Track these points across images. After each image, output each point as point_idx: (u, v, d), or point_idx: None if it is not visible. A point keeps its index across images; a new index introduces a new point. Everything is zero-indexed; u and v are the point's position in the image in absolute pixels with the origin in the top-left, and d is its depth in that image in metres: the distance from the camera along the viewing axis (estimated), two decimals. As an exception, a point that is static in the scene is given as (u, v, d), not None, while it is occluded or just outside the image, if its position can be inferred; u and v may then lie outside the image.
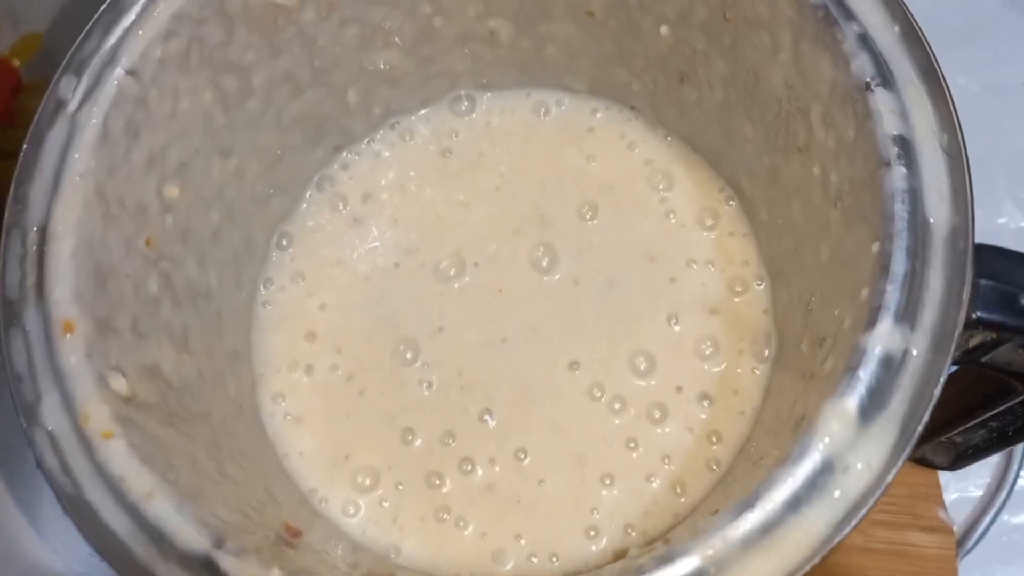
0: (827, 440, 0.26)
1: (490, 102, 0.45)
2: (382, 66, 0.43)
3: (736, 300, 0.41)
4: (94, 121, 0.33)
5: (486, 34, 0.43)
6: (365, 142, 0.45)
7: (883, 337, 0.27)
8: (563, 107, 0.45)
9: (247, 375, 0.41)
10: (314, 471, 0.40)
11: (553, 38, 0.43)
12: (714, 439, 0.39)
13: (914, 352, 0.27)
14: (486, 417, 0.40)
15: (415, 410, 0.40)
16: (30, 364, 0.30)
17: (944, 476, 0.50)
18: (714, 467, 0.38)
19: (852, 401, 0.27)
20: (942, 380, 0.27)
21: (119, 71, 0.33)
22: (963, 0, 0.63)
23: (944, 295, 0.28)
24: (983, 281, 0.28)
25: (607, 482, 0.38)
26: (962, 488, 0.53)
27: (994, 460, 0.53)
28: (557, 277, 0.42)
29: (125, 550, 0.28)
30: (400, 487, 0.39)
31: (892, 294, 0.28)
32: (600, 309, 0.41)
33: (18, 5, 0.56)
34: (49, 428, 0.29)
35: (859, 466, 0.26)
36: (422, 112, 0.45)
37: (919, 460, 0.44)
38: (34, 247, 0.31)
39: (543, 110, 0.45)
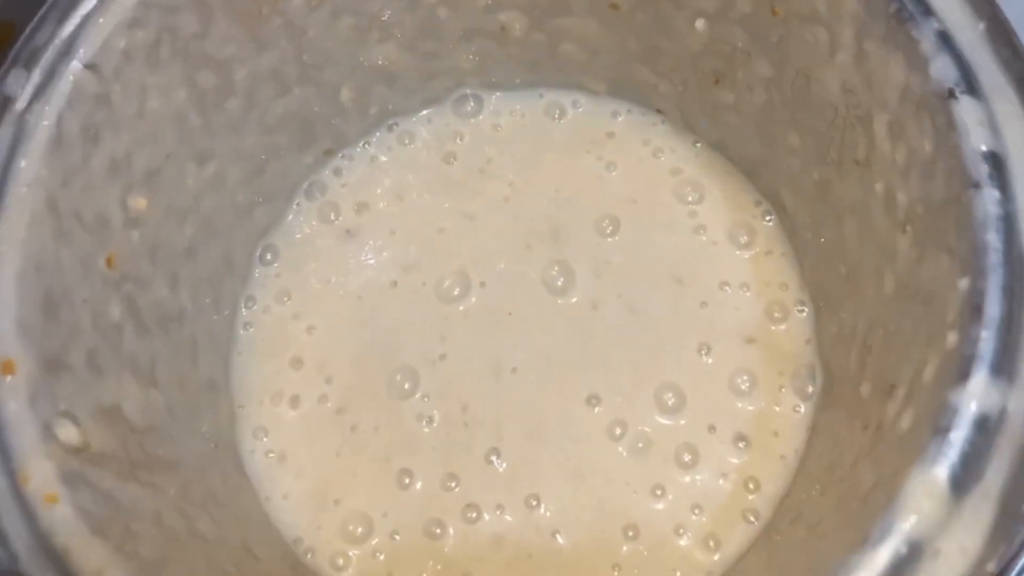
0: (914, 519, 0.22)
1: (498, 103, 0.41)
2: (379, 62, 0.38)
3: (775, 328, 0.36)
4: (46, 123, 0.28)
5: (496, 28, 0.38)
6: (360, 145, 0.41)
7: (977, 393, 0.23)
8: (580, 109, 0.41)
9: (225, 408, 0.36)
10: (299, 517, 0.35)
11: (570, 33, 0.38)
12: (751, 486, 0.34)
13: (1011, 410, 0.23)
14: (493, 458, 0.35)
15: (413, 449, 0.36)
16: (-39, 414, 0.25)
17: None
18: (752, 519, 0.34)
19: (942, 470, 0.23)
20: (1048, 443, 0.23)
21: (76, 64, 0.29)
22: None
23: (1049, 343, 0.23)
24: (1095, 326, 0.23)
25: (630, 534, 0.34)
26: None
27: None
28: (573, 300, 0.38)
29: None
30: (396, 537, 0.35)
31: (987, 341, 0.23)
32: (622, 336, 0.37)
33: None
34: (-19, 489, 0.25)
35: (952, 551, 0.22)
36: (423, 113, 0.41)
37: None
38: (-30, 272, 0.27)
39: (557, 112, 0.41)
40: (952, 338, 0.24)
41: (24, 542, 0.24)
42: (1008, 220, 0.24)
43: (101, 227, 0.30)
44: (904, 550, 0.22)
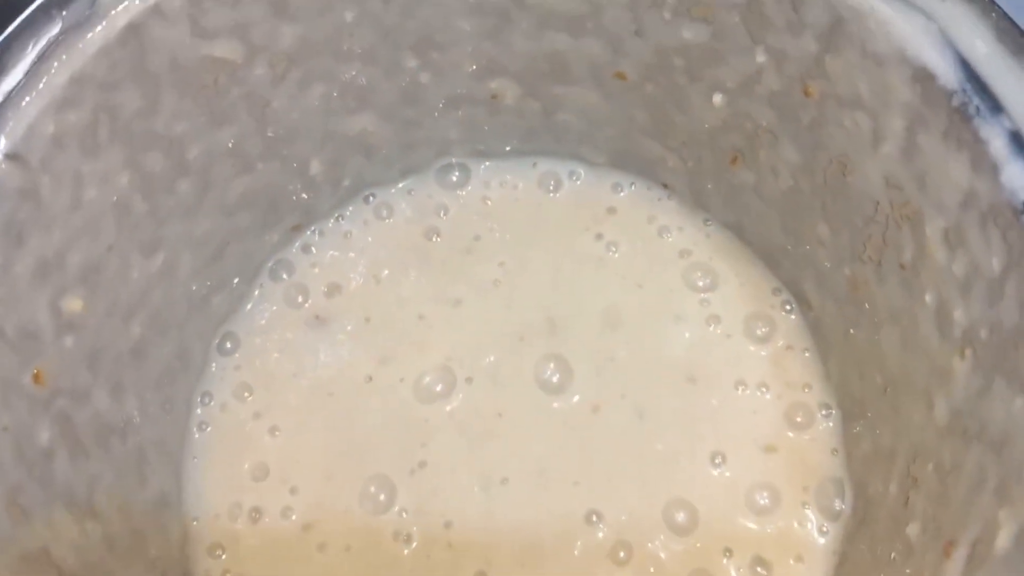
0: None
1: (487, 172, 0.37)
2: (354, 132, 0.34)
3: (796, 435, 0.32)
4: (-46, 228, 0.24)
5: (486, 97, 0.34)
6: (332, 219, 0.36)
7: (1071, 579, 0.19)
8: (578, 181, 0.37)
9: (176, 526, 0.32)
10: (261, 655, 0.31)
11: (569, 103, 0.34)
12: (773, 619, 0.30)
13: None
14: (482, 584, 0.31)
15: (390, 573, 0.32)
16: None
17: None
18: (774, 659, 0.30)
19: (1030, 673, 0.19)
20: None
21: (-6, 155, 0.24)
22: None
23: None
24: None
25: (638, 676, 0.30)
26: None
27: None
28: (572, 400, 0.34)
29: None
30: None
31: (1084, 518, 0.19)
32: (626, 443, 0.33)
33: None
34: None
35: None
36: (403, 184, 0.37)
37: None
38: None
39: (553, 183, 0.37)
40: (1037, 505, 0.20)
41: None
42: (1102, 365, 0.21)
43: (27, 340, 0.26)
44: None
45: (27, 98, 0.25)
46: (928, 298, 0.26)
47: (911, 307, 0.27)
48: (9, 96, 0.25)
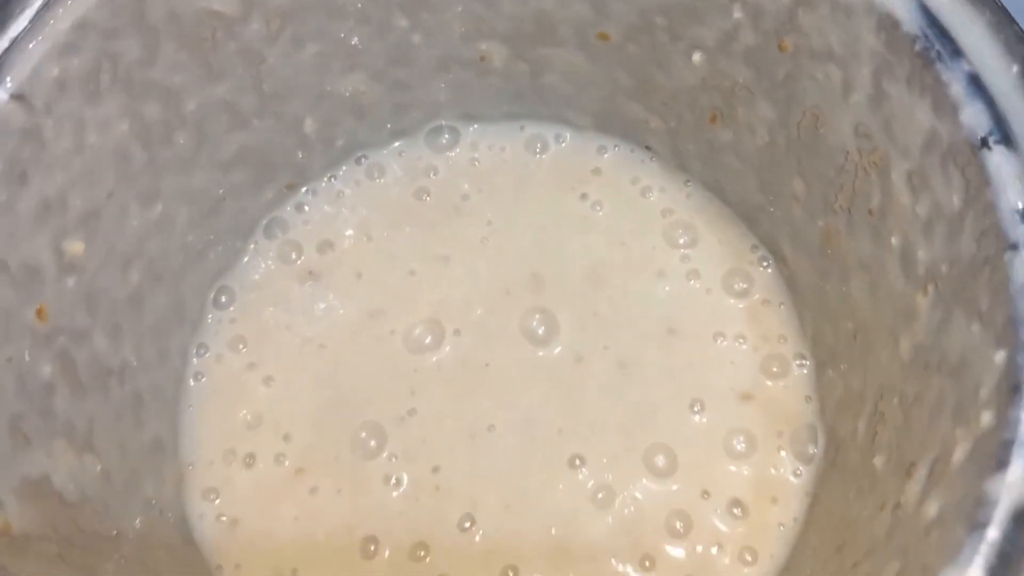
0: (953, 631, 0.19)
1: (476, 135, 0.38)
2: (346, 93, 0.35)
3: (773, 384, 0.34)
4: (-37, 163, 0.25)
5: (475, 58, 0.35)
6: (325, 179, 0.37)
7: (1018, 484, 0.20)
8: (563, 143, 0.38)
9: (172, 470, 0.33)
10: (253, 591, 0.32)
11: (555, 64, 0.35)
12: (748, 558, 0.31)
13: (1058, 504, 0.20)
14: (467, 526, 0.32)
15: (380, 515, 0.33)
16: None
17: None
18: (749, 595, 0.31)
19: (978, 571, 0.20)
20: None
21: (1, 95, 0.25)
22: None
23: (1099, 429, 0.21)
24: None
25: (617, 612, 0.31)
26: None
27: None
28: (556, 351, 0.35)
29: None
30: (360, 614, 0.31)
31: (1031, 426, 0.21)
32: (609, 392, 0.34)
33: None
34: None
35: (994, 670, 0.19)
36: (394, 145, 0.38)
37: None
38: None
39: (539, 146, 0.38)
40: (987, 418, 0.22)
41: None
42: (1051, 288, 0.22)
43: (29, 276, 0.27)
44: (941, 667, 0.19)
45: (32, 42, 0.26)
46: (894, 241, 0.27)
47: (879, 253, 0.28)
48: (15, 41, 0.26)
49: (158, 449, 0.33)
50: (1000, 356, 0.22)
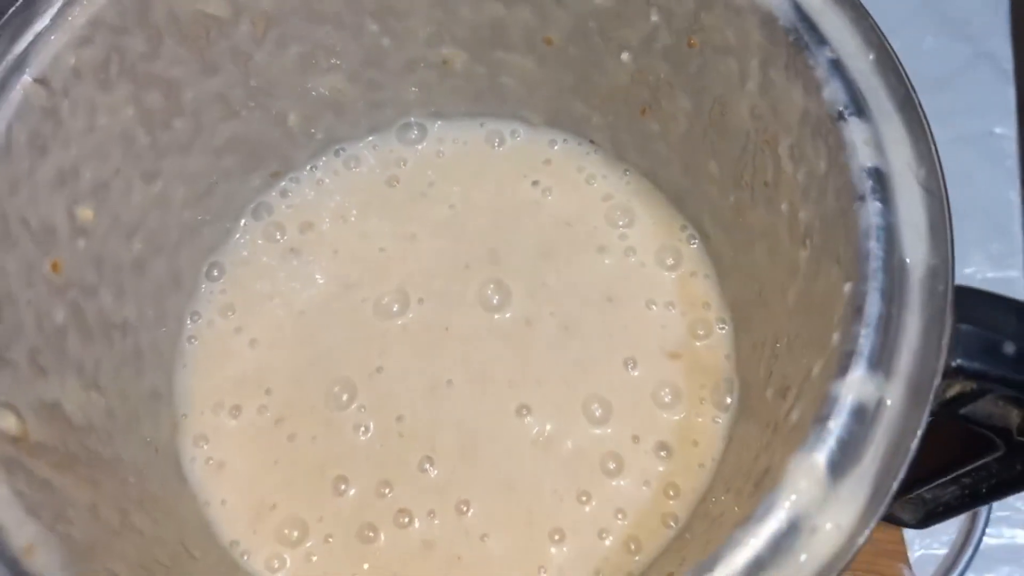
0: (793, 498, 0.24)
1: (441, 130, 0.43)
2: (325, 92, 0.40)
3: (697, 344, 0.38)
4: (-6, 131, 0.29)
5: (438, 62, 0.40)
6: (307, 169, 0.42)
7: (855, 385, 0.25)
8: (518, 138, 0.43)
9: (167, 417, 0.38)
10: (236, 521, 0.36)
11: (509, 68, 0.40)
12: (671, 493, 0.36)
13: (889, 402, 0.25)
14: (427, 466, 0.37)
15: (349, 457, 0.37)
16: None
17: (909, 533, 0.48)
18: (671, 523, 0.35)
19: (821, 456, 0.24)
20: (919, 434, 0.24)
21: (26, 78, 0.30)
22: (933, 49, 0.62)
23: (922, 340, 0.25)
24: (963, 326, 0.25)
25: (556, 538, 0.35)
26: (927, 545, 0.51)
27: (960, 517, 0.51)
28: (508, 316, 0.39)
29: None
30: (330, 540, 0.36)
31: (866, 338, 0.25)
32: (554, 351, 0.38)
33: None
34: (-84, 473, 0.26)
35: (828, 527, 0.24)
36: (369, 139, 0.43)
37: (886, 518, 0.41)
38: (-86, 267, 0.28)
39: (497, 140, 0.43)
40: (835, 337, 0.26)
41: (-45, 521, 0.25)
42: (889, 230, 0.26)
43: (47, 234, 0.31)
44: (784, 526, 0.24)
45: (53, 35, 0.31)
46: (783, 207, 0.32)
47: (773, 219, 0.33)
48: (39, 34, 0.31)
49: (156, 398, 0.37)
50: (848, 287, 0.26)
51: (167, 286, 0.38)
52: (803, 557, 0.23)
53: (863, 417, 0.25)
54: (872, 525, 0.23)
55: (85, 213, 0.33)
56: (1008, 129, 0.60)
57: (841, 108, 0.28)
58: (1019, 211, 0.57)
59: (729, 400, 0.37)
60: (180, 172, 0.37)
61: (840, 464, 0.24)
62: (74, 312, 0.33)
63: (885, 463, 0.24)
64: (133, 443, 0.34)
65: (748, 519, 0.24)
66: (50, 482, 0.28)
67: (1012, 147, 0.59)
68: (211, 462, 0.37)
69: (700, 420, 0.37)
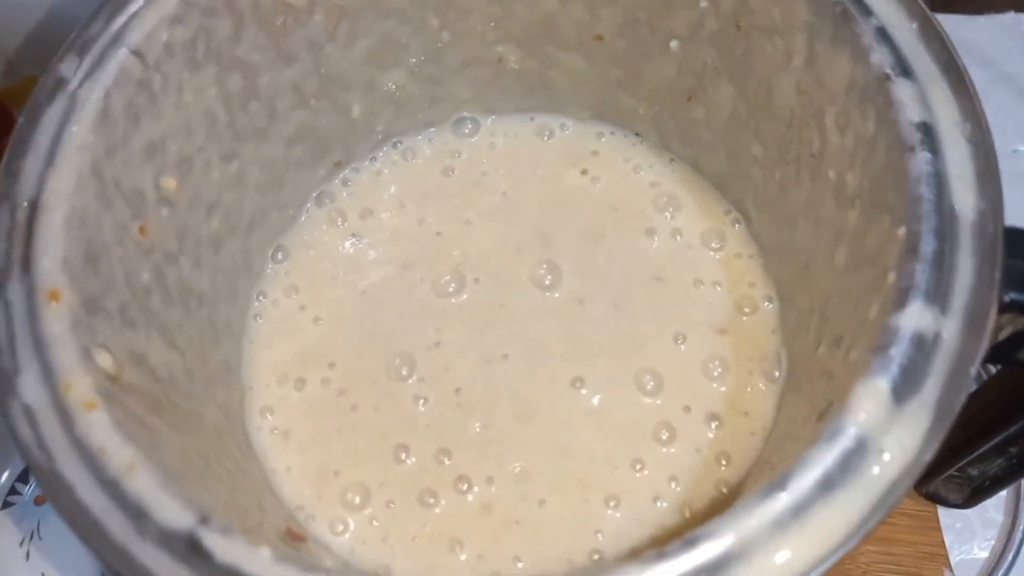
0: (862, 417, 0.25)
1: (494, 125, 0.45)
2: (390, 86, 0.42)
3: (744, 320, 0.40)
4: (95, 96, 0.32)
5: (494, 59, 0.43)
6: (367, 160, 0.44)
7: (914, 316, 0.26)
8: (567, 131, 0.45)
9: (236, 387, 0.39)
10: (301, 488, 0.38)
11: (559, 64, 0.43)
12: (723, 461, 0.37)
13: (945, 335, 0.26)
14: (484, 435, 0.38)
15: (409, 427, 0.38)
16: (9, 333, 0.28)
17: (948, 537, 0.48)
18: (723, 489, 0.36)
19: (884, 381, 0.26)
20: (976, 362, 0.26)
21: (123, 50, 0.32)
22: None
23: (975, 277, 0.27)
24: (1016, 262, 0.27)
25: (612, 504, 0.36)
26: (967, 551, 0.52)
27: (999, 520, 0.52)
28: (560, 294, 0.41)
29: (98, 527, 0.25)
30: (391, 505, 0.37)
31: (921, 273, 0.27)
32: (605, 327, 0.40)
33: (13, 47, 0.56)
34: (26, 401, 0.27)
35: (894, 448, 0.25)
36: (425, 132, 0.45)
37: (932, 497, 0.43)
38: (23, 219, 0.30)
39: (547, 133, 0.45)
40: (892, 277, 0.28)
41: (61, 444, 0.26)
42: (938, 177, 0.28)
43: (136, 199, 0.33)
44: (852, 444, 0.25)
45: (149, 13, 0.33)
46: (831, 174, 0.34)
47: (819, 188, 0.34)
48: (135, 13, 0.33)
49: (227, 369, 0.39)
50: (902, 231, 0.28)
51: (239, 265, 0.40)
52: (875, 471, 0.24)
53: (922, 346, 0.26)
54: (934, 448, 0.25)
55: (169, 183, 0.35)
56: (1030, 147, 0.62)
57: (888, 70, 0.30)
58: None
59: (777, 373, 0.38)
60: (255, 156, 0.39)
61: (902, 389, 0.26)
62: (157, 275, 0.34)
63: (946, 389, 0.26)
64: (210, 405, 0.36)
65: (817, 440, 0.25)
66: (142, 419, 0.29)
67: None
68: (276, 432, 0.39)
69: (749, 391, 0.38)
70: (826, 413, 0.27)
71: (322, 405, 0.39)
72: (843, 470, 0.25)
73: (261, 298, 0.42)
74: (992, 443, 0.36)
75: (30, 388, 0.27)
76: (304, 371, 0.40)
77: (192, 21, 0.34)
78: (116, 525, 0.25)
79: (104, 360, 0.29)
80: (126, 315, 0.32)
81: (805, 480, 0.25)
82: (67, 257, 0.29)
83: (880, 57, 0.30)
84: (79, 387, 0.27)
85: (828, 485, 0.25)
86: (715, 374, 0.39)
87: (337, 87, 0.41)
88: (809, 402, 0.32)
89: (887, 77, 0.30)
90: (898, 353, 0.26)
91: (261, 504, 0.34)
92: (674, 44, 0.39)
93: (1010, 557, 0.50)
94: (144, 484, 0.26)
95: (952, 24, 0.59)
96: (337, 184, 0.44)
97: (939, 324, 0.26)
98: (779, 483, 0.25)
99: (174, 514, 0.25)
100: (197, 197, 0.37)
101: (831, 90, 0.33)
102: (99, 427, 0.27)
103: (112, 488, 0.26)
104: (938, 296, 0.27)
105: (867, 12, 0.31)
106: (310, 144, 0.42)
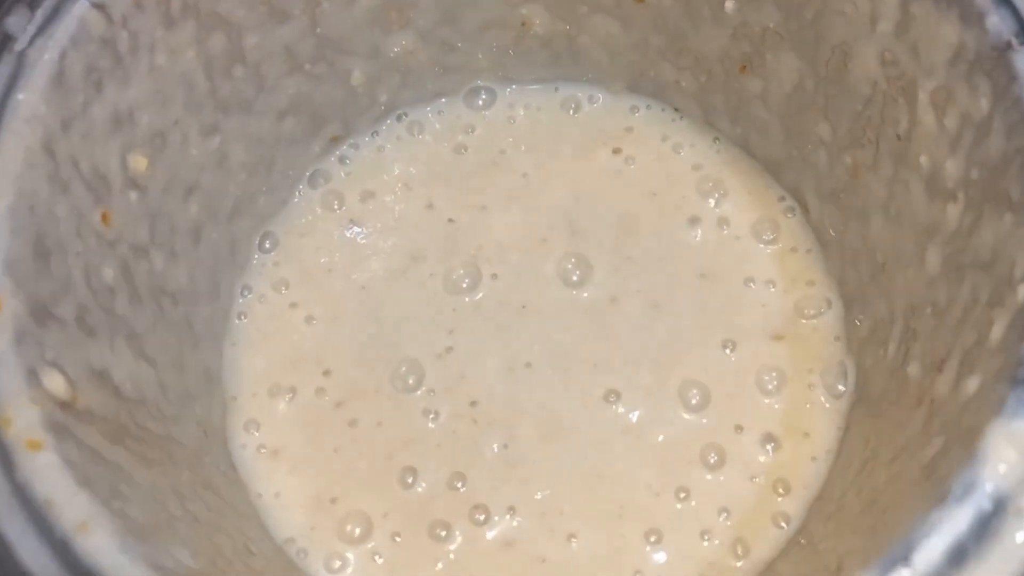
0: (1002, 470, 0.20)
1: (512, 96, 0.40)
2: (396, 51, 0.37)
3: (801, 325, 0.35)
4: (47, 57, 0.26)
5: (516, 23, 0.37)
6: (368, 135, 0.39)
7: (1055, 341, 0.21)
8: (596, 104, 0.39)
9: (217, 398, 0.34)
10: (293, 516, 0.33)
11: (591, 29, 0.37)
12: (781, 489, 0.32)
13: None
14: (504, 456, 0.33)
15: (418, 446, 0.34)
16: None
17: None
18: (782, 524, 0.32)
19: (1024, 420, 0.21)
20: None
21: (83, 2, 0.27)
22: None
23: None
24: None
25: (652, 539, 0.32)
26: None
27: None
28: (591, 293, 0.36)
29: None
30: (397, 539, 0.32)
31: (1065, 288, 0.22)
32: (642, 332, 0.35)
33: None
34: (-45, 436, 0.22)
35: (1040, 507, 0.20)
36: (434, 104, 0.39)
37: None
38: (-43, 206, 0.25)
39: (573, 106, 0.39)
40: (1022, 291, 0.23)
41: (0, 492, 0.21)
42: (1075, 169, 0.23)
43: (99, 181, 0.28)
44: (988, 506, 0.20)
45: (113, -42, 0.28)
46: (923, 160, 0.29)
47: (905, 176, 0.29)
48: (99, -43, 0.28)
49: (208, 378, 0.34)
50: (1032, 234, 0.23)
51: (222, 256, 0.35)
52: (1018, 538, 0.20)
53: (1068, 378, 0.21)
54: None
55: (139, 161, 0.30)
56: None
57: (1010, 37, 0.25)
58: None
59: (842, 387, 0.33)
60: (241, 131, 0.34)
61: (1050, 431, 0.21)
62: (124, 272, 0.29)
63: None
64: (186, 423, 0.31)
65: (944, 498, 0.20)
66: (102, 454, 0.24)
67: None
68: (263, 450, 0.34)
69: (809, 407, 0.33)
70: (943, 459, 0.22)
71: (316, 419, 0.34)
72: (979, 538, 0.20)
73: (246, 294, 0.36)
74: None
75: (-40, 419, 0.22)
76: (295, 379, 0.35)
77: (165, -32, 0.29)
78: (65, 598, 0.20)
79: (54, 383, 0.24)
80: (84, 322, 0.27)
81: (932, 551, 0.20)
82: (11, 255, 0.24)
83: (999, 21, 0.25)
84: (22, 421, 0.22)
85: (960, 557, 0.20)
86: (770, 387, 0.34)
87: (336, 51, 0.35)
88: (901, 431, 0.27)
89: (1008, 45, 0.25)
90: (1041, 387, 0.21)
91: (248, 546, 0.29)
92: (730, 4, 0.33)
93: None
94: (99, 545, 0.21)
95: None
96: (333, 162, 0.39)
97: (1088, 349, 0.21)
98: (899, 554, 0.20)
99: (138, 585, 0.20)
100: (172, 178, 0.32)
101: (929, 61, 0.27)
102: (47, 472, 0.22)
103: (61, 549, 0.21)
104: (1086, 316, 0.22)
105: (983, -34, 0.26)
106: (303, 116, 0.36)
